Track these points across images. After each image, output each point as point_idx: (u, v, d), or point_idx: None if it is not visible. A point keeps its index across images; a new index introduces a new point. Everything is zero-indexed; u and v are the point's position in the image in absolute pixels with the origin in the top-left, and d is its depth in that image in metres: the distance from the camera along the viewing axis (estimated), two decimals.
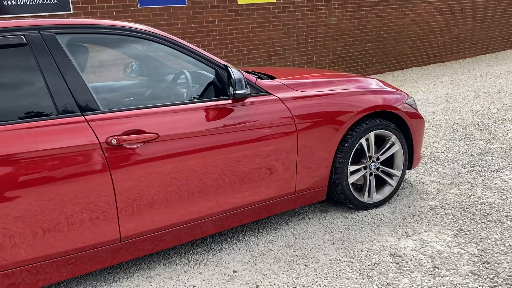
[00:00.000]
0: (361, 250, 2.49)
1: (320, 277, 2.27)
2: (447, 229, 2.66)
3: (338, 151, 2.80)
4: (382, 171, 3.04)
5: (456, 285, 2.12)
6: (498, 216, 2.76)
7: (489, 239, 2.51)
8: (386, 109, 2.92)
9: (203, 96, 2.56)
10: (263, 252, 2.55)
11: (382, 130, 2.92)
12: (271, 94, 2.60)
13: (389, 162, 3.08)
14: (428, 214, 2.86)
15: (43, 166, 1.94)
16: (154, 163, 2.18)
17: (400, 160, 3.07)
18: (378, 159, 2.99)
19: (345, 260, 2.41)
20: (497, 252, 2.36)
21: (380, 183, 3.07)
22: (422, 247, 2.48)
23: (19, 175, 1.90)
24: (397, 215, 2.90)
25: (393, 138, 2.98)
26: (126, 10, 6.46)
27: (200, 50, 2.42)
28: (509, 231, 2.57)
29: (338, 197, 2.92)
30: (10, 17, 5.64)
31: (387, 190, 3.06)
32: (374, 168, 2.98)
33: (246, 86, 2.35)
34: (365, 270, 2.30)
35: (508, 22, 11.37)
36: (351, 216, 2.92)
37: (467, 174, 3.48)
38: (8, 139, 1.91)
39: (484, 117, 5.04)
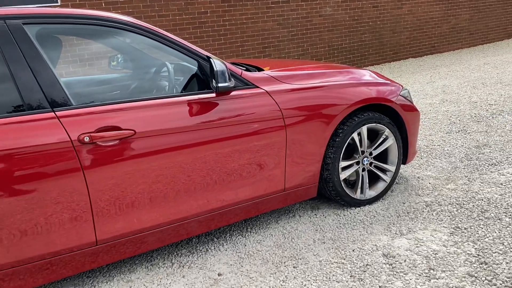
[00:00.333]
0: (353, 250, 2.37)
1: (309, 280, 2.15)
2: (443, 227, 2.54)
3: (329, 146, 2.67)
4: (376, 166, 2.92)
5: None
6: (496, 213, 2.64)
7: (487, 237, 2.39)
8: (380, 102, 2.78)
9: (186, 89, 2.42)
10: (250, 253, 2.43)
11: (375, 124, 2.79)
12: (258, 87, 2.47)
13: (383, 157, 2.95)
14: (423, 211, 2.74)
15: (9, 166, 1.80)
16: (131, 162, 2.05)
17: (394, 155, 2.95)
18: (371, 154, 2.86)
19: (336, 261, 2.29)
20: (495, 252, 2.24)
21: (374, 179, 2.95)
22: (416, 246, 2.36)
23: None
24: (391, 212, 2.78)
25: (387, 132, 2.85)
26: (115, 1, 6.29)
27: (181, 40, 2.28)
28: (507, 228, 2.45)
29: (329, 194, 2.80)
30: None
31: (380, 186, 2.94)
32: (367, 164, 2.85)
33: (230, 79, 2.21)
34: (356, 272, 2.18)
35: (506, 11, 11.21)
36: (343, 214, 2.80)
37: (464, 168, 3.36)
38: None
39: (482, 108, 4.91)
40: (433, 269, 2.15)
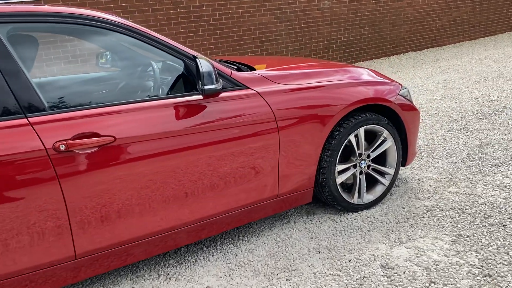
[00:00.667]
0: (349, 261, 2.25)
1: None
2: (445, 234, 2.41)
3: (324, 149, 2.54)
4: (374, 169, 2.78)
5: None
6: (500, 219, 2.51)
7: (491, 246, 2.26)
8: (377, 102, 2.64)
9: (172, 91, 2.28)
10: (241, 264, 2.30)
11: (373, 125, 2.65)
12: (249, 88, 2.33)
13: (381, 159, 2.82)
14: (424, 217, 2.62)
15: None
16: (111, 170, 1.91)
17: (393, 157, 2.81)
18: (369, 156, 2.73)
19: (331, 273, 2.17)
20: (500, 263, 2.12)
21: (372, 182, 2.81)
22: (417, 256, 2.23)
23: None
24: (390, 217, 2.65)
25: (385, 133, 2.72)
26: None
27: (165, 38, 2.14)
28: None
29: (325, 198, 2.67)
30: None
31: (379, 190, 2.81)
32: (364, 166, 2.72)
33: (217, 81, 2.07)
34: (353, 286, 2.06)
35: (508, 3, 11.00)
36: (339, 220, 2.67)
37: (466, 170, 3.22)
38: None
39: (484, 104, 4.77)
40: (434, 282, 2.02)
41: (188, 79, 2.22)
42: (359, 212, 2.75)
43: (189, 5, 6.87)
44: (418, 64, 7.89)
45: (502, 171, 3.13)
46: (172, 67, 2.33)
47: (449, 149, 3.64)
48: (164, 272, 2.28)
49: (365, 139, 2.72)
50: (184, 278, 2.22)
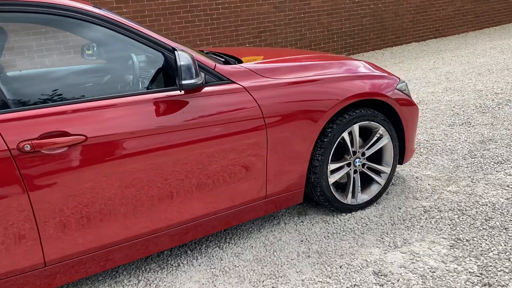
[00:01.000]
0: (340, 267, 2.11)
1: None
2: (443, 238, 2.28)
3: (316, 147, 2.40)
4: (369, 168, 2.64)
5: None
6: (502, 221, 2.37)
7: (491, 251, 2.12)
8: (373, 97, 2.49)
9: (152, 86, 2.14)
10: (226, 270, 2.17)
11: (368, 122, 2.50)
12: (234, 82, 2.18)
13: (377, 157, 2.67)
14: (421, 219, 2.48)
15: None
16: (82, 171, 1.78)
17: (389, 155, 2.66)
18: (363, 154, 2.59)
19: (320, 280, 2.04)
20: (501, 270, 1.98)
21: (367, 181, 2.67)
22: (412, 262, 2.10)
23: None
24: (385, 219, 2.51)
25: (381, 130, 2.57)
26: None
27: (142, 28, 1.98)
28: None
29: (317, 199, 2.53)
30: None
31: (374, 189, 2.67)
32: (359, 165, 2.58)
33: (197, 75, 1.92)
34: None
35: None
36: (332, 221, 2.54)
37: (467, 167, 3.07)
38: None
39: (487, 98, 4.60)
40: None
41: (168, 73, 2.08)
42: (353, 213, 2.61)
43: None
44: (421, 55, 7.70)
45: (505, 169, 2.98)
46: (152, 59, 2.18)
47: (449, 145, 3.49)
48: (144, 278, 2.16)
49: (360, 136, 2.57)
50: (165, 285, 2.09)
